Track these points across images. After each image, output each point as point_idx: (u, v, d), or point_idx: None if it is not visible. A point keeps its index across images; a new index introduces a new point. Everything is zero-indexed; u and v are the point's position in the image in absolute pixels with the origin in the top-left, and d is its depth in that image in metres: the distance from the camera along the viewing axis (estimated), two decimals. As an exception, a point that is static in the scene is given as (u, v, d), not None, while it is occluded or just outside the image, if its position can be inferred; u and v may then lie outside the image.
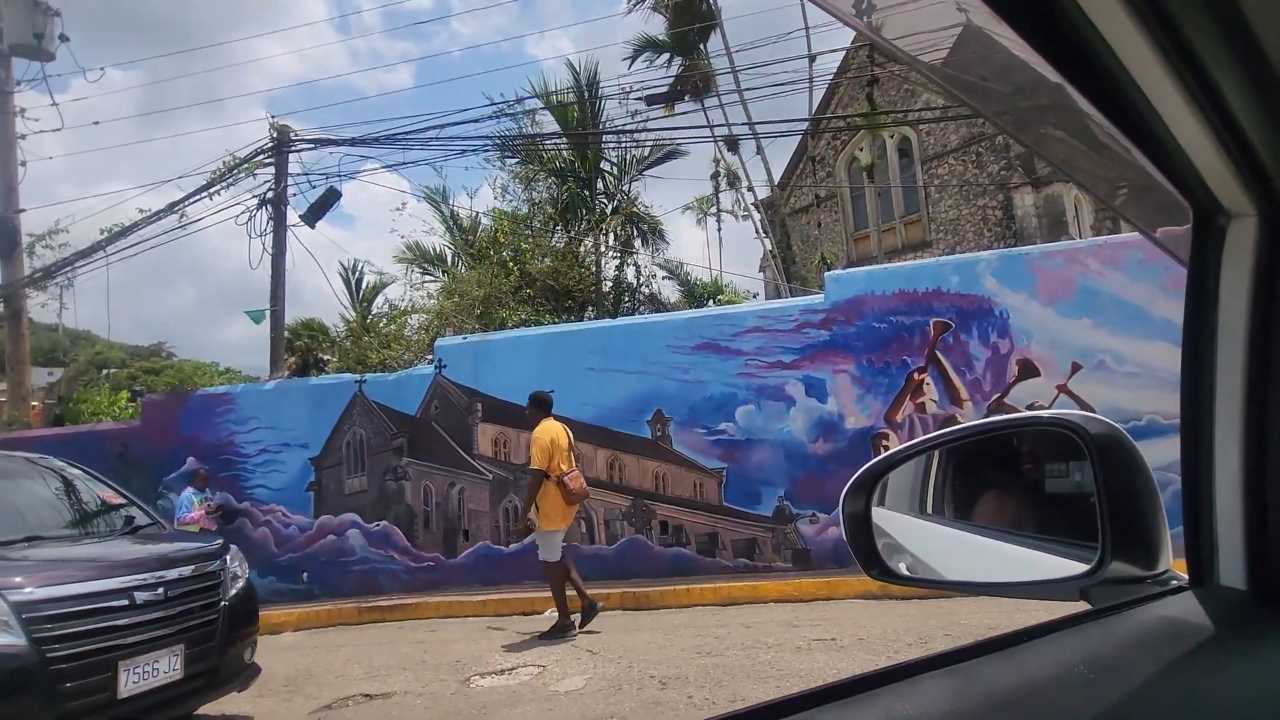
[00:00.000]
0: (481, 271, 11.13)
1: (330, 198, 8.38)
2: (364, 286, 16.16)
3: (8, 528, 3.74)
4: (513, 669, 4.77)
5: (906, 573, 0.79)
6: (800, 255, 20.14)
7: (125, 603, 3.33)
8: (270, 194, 8.25)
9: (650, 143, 14.38)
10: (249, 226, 8.25)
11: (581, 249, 12.83)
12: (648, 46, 15.70)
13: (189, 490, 7.60)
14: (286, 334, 18.52)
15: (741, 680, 4.01)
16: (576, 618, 5.50)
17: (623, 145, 14.14)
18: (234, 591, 3.95)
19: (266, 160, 8.31)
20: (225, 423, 8.35)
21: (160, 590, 3.49)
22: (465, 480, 7.75)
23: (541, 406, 5.84)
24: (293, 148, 8.37)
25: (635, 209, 14.53)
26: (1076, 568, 0.64)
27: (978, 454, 0.80)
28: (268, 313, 8.60)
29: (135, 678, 3.29)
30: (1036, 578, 0.68)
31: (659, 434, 7.40)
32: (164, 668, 3.42)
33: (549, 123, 13.70)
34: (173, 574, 3.62)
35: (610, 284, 13.30)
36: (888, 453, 0.84)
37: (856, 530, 0.80)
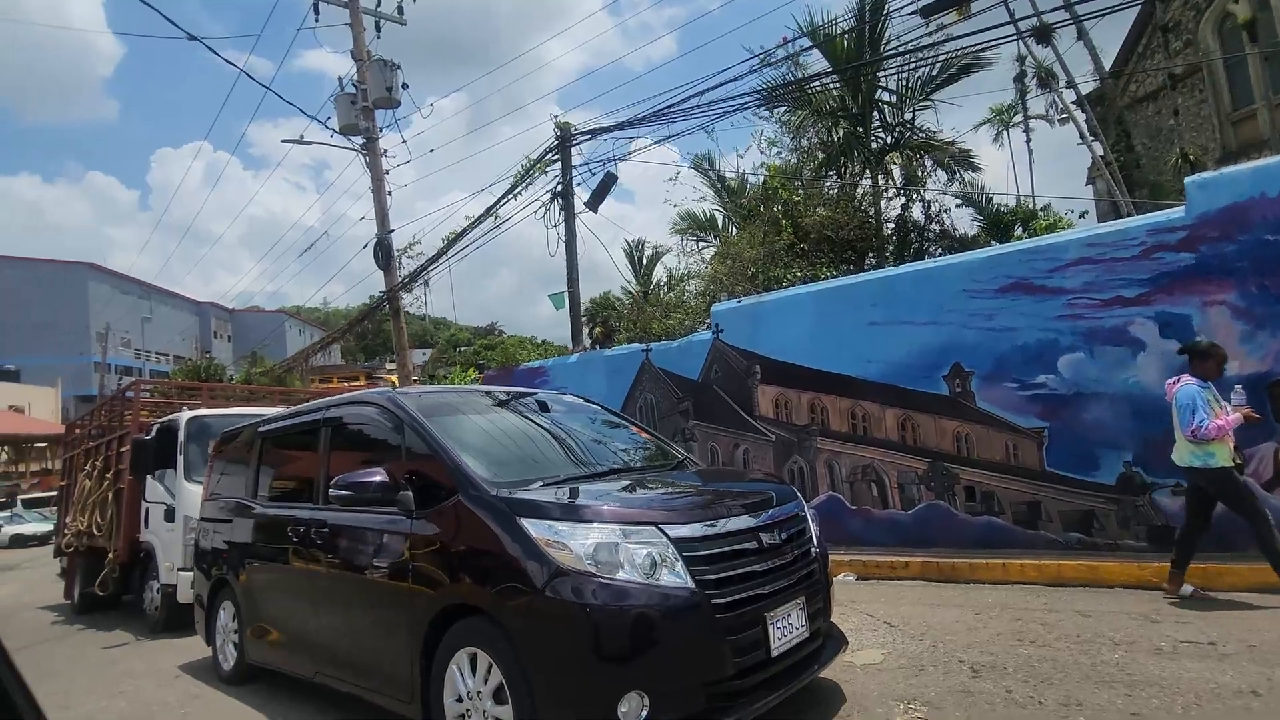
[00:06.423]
0: (752, 231, 11.04)
1: (608, 182, 9.06)
2: (644, 260, 17.36)
3: (593, 459, 3.68)
4: (805, 633, 4.72)
5: None
6: (1148, 155, 16.12)
7: (755, 545, 2.94)
8: (559, 187, 9.25)
9: (937, 58, 12.60)
10: (545, 219, 9.37)
11: (859, 192, 11.91)
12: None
13: (1192, 383, 4.68)
14: (590, 308, 20.89)
15: (1077, 680, 3.40)
16: None
17: (907, 67, 12.60)
18: (817, 537, 3.47)
19: (554, 157, 9.31)
20: (543, 389, 9.70)
21: (776, 533, 3.07)
22: (749, 441, 7.87)
23: None
24: (573, 141, 9.23)
25: (924, 138, 12.97)
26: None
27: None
28: (565, 294, 9.70)
29: (779, 633, 2.87)
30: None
31: (958, 390, 6.60)
32: (795, 623, 2.98)
33: (815, 63, 12.88)
34: (775, 515, 3.15)
35: (892, 227, 12.15)
36: None
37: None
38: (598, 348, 16.19)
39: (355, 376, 45.34)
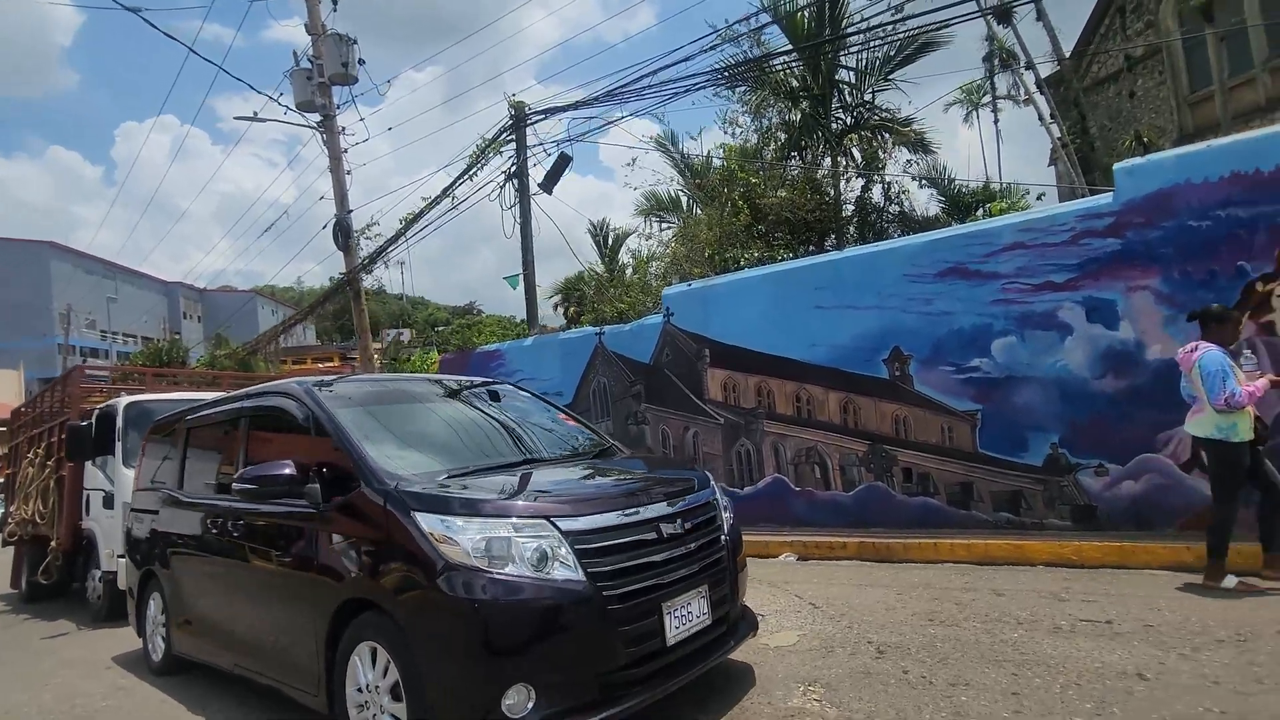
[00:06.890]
0: (712, 212, 11.00)
1: (562, 163, 8.95)
2: (609, 240, 17.23)
3: (509, 449, 3.72)
4: (733, 614, 4.81)
5: None
6: (1109, 138, 16.29)
7: (654, 535, 2.97)
8: (514, 168, 9.13)
9: (896, 37, 12.52)
10: (500, 200, 9.26)
11: (820, 174, 11.89)
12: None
13: (1214, 349, 4.33)
14: (564, 286, 20.74)
15: (973, 659, 3.52)
16: None
17: (866, 47, 12.52)
18: (728, 525, 3.50)
19: (509, 137, 9.18)
20: (499, 372, 9.67)
21: (679, 522, 3.10)
22: (699, 424, 7.94)
23: None
24: (528, 121, 9.11)
25: (882, 119, 12.95)
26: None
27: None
28: (520, 277, 9.63)
29: (676, 622, 2.92)
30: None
31: (897, 374, 6.70)
32: (695, 611, 3.03)
33: (777, 40, 12.74)
34: (683, 504, 3.20)
35: (853, 208, 12.17)
36: None
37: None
38: (572, 327, 16.11)
39: (329, 357, 44.80)
